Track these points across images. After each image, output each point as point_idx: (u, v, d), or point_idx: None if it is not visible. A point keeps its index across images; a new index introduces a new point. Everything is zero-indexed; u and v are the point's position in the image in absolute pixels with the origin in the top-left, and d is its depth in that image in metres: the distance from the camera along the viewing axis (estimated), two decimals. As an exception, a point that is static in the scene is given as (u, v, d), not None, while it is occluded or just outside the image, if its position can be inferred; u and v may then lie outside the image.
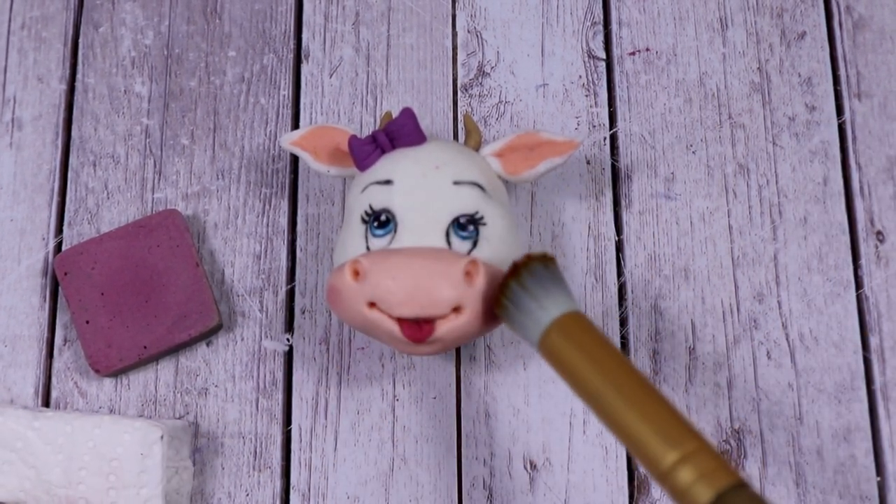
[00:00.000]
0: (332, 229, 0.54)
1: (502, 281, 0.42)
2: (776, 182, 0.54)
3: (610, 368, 0.39)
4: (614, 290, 0.53)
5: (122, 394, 0.52)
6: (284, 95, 0.56)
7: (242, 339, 0.52)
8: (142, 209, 0.55)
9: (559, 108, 0.55)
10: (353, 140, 0.47)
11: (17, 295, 0.54)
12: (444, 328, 0.43)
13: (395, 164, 0.46)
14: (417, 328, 0.43)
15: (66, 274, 0.52)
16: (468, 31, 0.57)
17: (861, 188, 0.54)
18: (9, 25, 0.58)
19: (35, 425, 0.48)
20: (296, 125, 0.56)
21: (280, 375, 0.52)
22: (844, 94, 0.55)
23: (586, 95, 0.56)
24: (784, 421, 0.50)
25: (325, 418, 0.51)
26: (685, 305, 0.52)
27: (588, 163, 0.55)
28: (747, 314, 0.52)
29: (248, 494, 0.50)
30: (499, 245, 0.45)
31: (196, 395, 0.52)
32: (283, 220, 0.54)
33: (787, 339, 0.51)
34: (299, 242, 0.54)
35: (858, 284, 0.52)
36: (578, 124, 0.55)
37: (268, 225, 0.54)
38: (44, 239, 0.55)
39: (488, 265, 0.44)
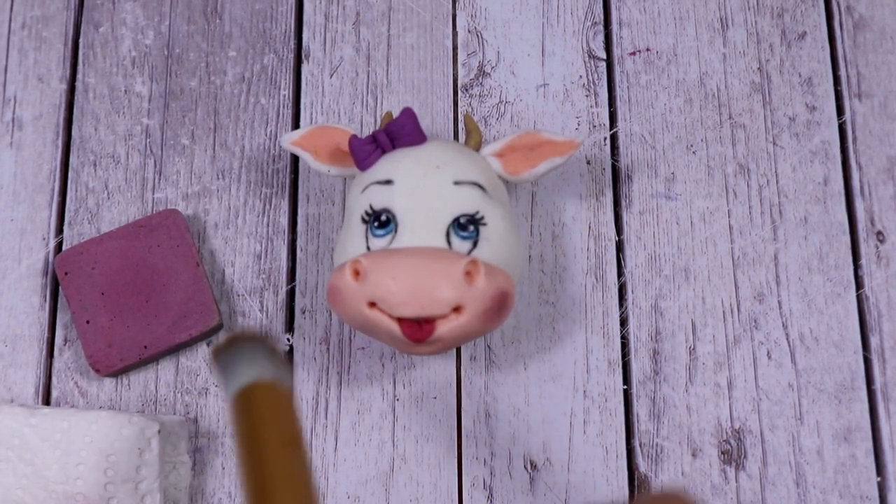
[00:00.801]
0: (332, 229, 0.54)
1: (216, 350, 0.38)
2: (776, 182, 0.54)
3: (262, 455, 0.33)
4: (614, 290, 0.53)
5: (122, 394, 0.52)
6: (285, 95, 0.56)
7: (243, 339, 0.52)
8: (142, 209, 0.55)
9: (559, 108, 0.55)
10: (354, 140, 0.47)
11: (18, 295, 0.54)
12: (444, 328, 0.43)
13: (395, 164, 0.46)
14: (418, 328, 0.43)
15: (66, 274, 0.52)
16: (468, 31, 0.57)
17: (861, 188, 0.54)
18: (9, 25, 0.58)
19: (32, 422, 0.48)
20: (296, 125, 0.56)
21: (280, 375, 0.52)
22: (845, 94, 0.55)
23: (587, 95, 0.56)
24: (784, 421, 0.50)
25: (326, 418, 0.51)
26: (685, 305, 0.52)
27: (588, 163, 0.55)
28: (748, 314, 0.52)
29: (248, 494, 0.50)
30: (499, 245, 0.45)
31: (196, 395, 0.52)
32: (284, 220, 0.54)
33: (787, 339, 0.51)
34: (299, 242, 0.54)
35: (859, 284, 0.52)
36: (579, 124, 0.55)
37: (268, 225, 0.54)
38: (44, 239, 0.55)
39: (489, 265, 0.44)
